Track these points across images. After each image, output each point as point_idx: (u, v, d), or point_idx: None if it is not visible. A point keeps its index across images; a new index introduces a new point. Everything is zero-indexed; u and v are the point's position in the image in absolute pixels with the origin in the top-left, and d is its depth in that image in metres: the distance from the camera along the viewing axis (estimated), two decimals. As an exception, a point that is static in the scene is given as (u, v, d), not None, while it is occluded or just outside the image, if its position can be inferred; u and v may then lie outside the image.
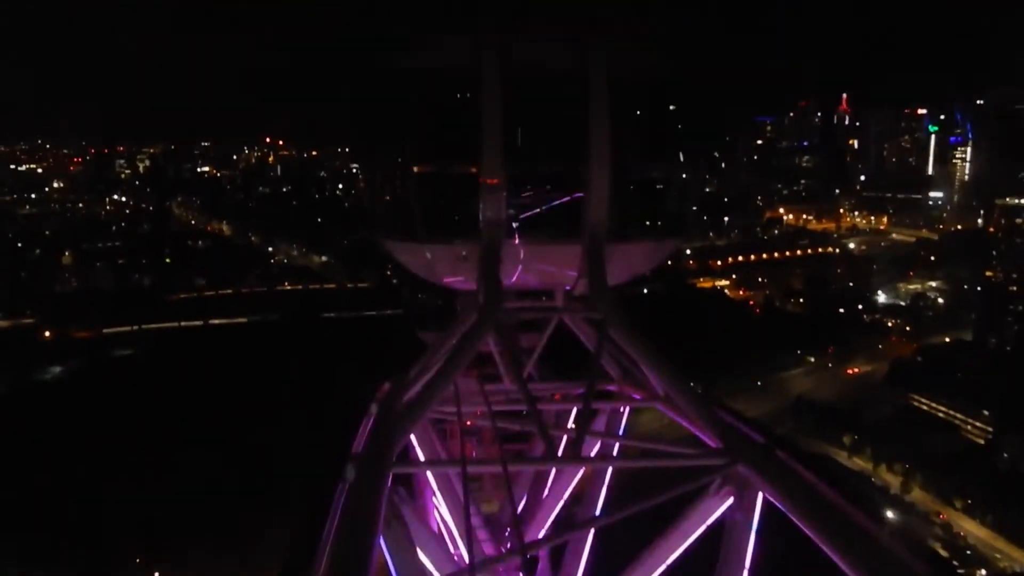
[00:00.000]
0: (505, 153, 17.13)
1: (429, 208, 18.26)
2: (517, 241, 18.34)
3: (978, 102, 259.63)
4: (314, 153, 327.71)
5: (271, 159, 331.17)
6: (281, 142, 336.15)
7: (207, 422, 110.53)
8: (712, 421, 15.26)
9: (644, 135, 19.24)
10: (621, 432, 20.27)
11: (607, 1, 19.08)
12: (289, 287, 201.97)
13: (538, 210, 18.39)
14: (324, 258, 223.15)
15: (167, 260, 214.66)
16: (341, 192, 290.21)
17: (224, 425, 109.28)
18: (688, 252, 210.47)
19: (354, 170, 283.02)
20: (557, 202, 18.41)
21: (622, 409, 20.24)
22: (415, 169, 18.35)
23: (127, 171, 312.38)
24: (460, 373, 16.67)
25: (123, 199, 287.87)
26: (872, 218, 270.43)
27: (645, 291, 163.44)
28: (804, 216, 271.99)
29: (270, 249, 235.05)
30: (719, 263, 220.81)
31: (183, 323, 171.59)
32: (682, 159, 19.94)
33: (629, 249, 19.26)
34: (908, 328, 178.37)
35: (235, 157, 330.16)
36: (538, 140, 18.23)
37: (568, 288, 19.73)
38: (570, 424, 21.68)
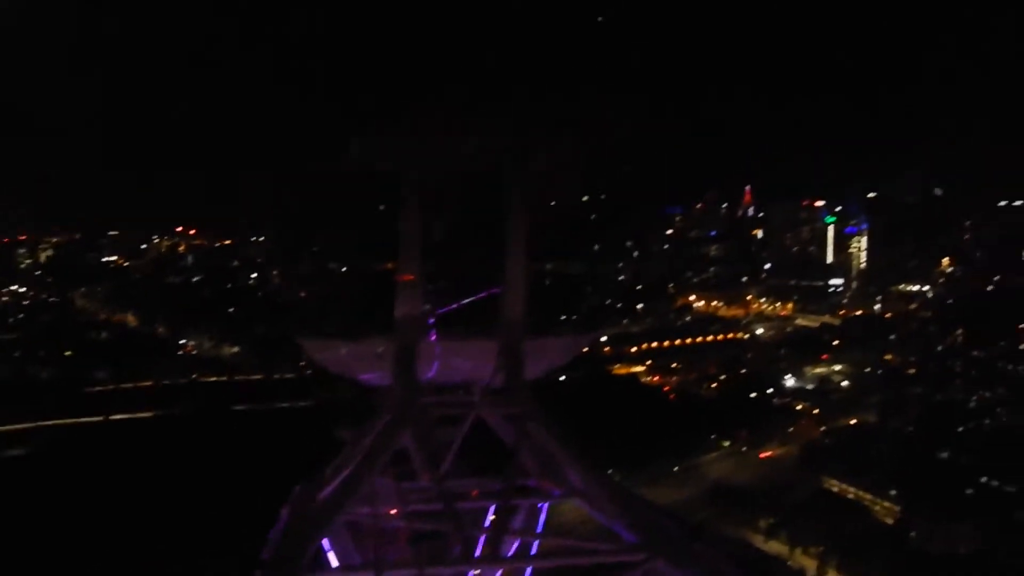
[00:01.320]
0: (421, 250, 17.34)
1: (344, 305, 18.27)
2: (433, 337, 18.38)
3: (869, 195, 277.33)
4: (227, 242, 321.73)
5: (182, 248, 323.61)
6: (193, 231, 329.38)
7: (105, 527, 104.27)
8: (630, 515, 15.28)
9: (561, 232, 19.80)
10: (540, 528, 20.04)
11: (526, 116, 19.80)
12: (198, 379, 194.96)
13: (454, 306, 18.56)
14: (236, 349, 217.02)
15: (67, 353, 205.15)
16: (254, 281, 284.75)
17: (124, 529, 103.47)
18: (604, 339, 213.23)
19: (262, 260, 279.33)
20: (473, 298, 18.63)
21: (540, 505, 20.07)
22: (330, 266, 18.38)
23: (28, 260, 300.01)
24: (376, 472, 16.35)
25: (22, 290, 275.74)
26: (778, 304, 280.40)
27: (562, 379, 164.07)
28: (714, 303, 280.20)
29: (181, 341, 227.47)
30: (634, 349, 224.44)
31: (82, 419, 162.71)
32: (597, 254, 20.53)
33: (546, 344, 19.50)
34: (816, 411, 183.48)
35: (144, 246, 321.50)
36: (454, 237, 18.53)
37: (486, 383, 19.74)
38: (488, 521, 21.34)
